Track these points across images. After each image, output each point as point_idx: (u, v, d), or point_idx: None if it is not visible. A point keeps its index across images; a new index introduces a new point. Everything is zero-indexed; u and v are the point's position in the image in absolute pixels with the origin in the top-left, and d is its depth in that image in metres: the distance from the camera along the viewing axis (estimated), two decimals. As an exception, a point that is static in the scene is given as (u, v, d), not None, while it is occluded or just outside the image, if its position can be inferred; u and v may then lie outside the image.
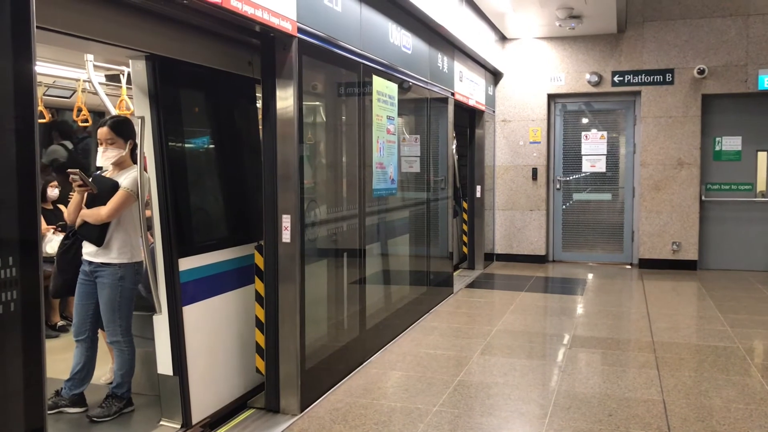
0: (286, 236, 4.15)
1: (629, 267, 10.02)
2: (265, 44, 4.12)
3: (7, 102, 2.18)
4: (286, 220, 4.14)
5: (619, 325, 6.50)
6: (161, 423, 3.93)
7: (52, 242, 5.66)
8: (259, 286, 4.28)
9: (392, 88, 5.71)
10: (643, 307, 7.18)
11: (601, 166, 10.21)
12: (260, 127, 4.53)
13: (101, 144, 4.05)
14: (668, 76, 9.63)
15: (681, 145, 9.62)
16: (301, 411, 4.17)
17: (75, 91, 6.04)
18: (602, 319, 6.65)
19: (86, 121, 6.00)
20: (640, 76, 9.76)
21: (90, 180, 4.01)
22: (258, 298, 4.28)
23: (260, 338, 4.28)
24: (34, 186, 2.23)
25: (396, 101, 5.80)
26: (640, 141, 9.85)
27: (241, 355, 4.35)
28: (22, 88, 2.21)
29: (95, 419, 3.99)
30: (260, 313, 4.27)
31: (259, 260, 4.26)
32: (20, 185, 2.19)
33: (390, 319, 5.87)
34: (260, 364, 4.30)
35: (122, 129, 4.08)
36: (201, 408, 3.96)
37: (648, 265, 9.79)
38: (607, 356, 5.39)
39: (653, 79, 9.70)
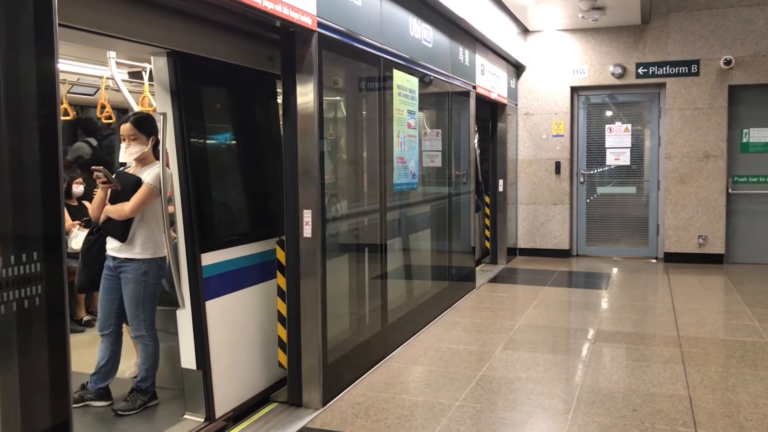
0: (307, 231, 4.15)
1: (654, 261, 9.90)
2: (285, 39, 4.12)
3: (31, 100, 2.21)
4: (307, 215, 4.15)
5: (644, 320, 6.43)
6: (185, 416, 3.96)
7: (77, 238, 5.73)
8: (281, 280, 4.29)
9: (413, 82, 5.68)
10: (668, 302, 7.09)
11: (625, 159, 10.09)
12: (281, 122, 4.55)
13: (124, 140, 4.09)
14: (694, 68, 9.48)
15: (707, 138, 9.47)
16: (324, 405, 4.18)
17: (98, 89, 6.10)
18: (627, 314, 6.58)
19: (110, 117, 6.05)
20: (664, 68, 9.62)
21: (113, 176, 4.05)
22: (280, 292, 4.30)
23: (282, 332, 4.30)
24: (57, 182, 2.26)
25: (417, 95, 5.78)
26: (665, 133, 9.71)
27: (264, 349, 4.37)
28: (46, 85, 2.24)
29: (120, 413, 4.04)
30: (282, 308, 4.29)
31: (280, 255, 4.27)
32: (44, 181, 2.22)
33: (412, 314, 5.86)
34: (282, 358, 4.32)
35: (144, 125, 4.12)
36: (224, 402, 3.99)
37: (673, 259, 9.67)
38: (632, 351, 5.33)
39: (678, 70, 9.55)
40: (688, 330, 5.91)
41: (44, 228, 2.24)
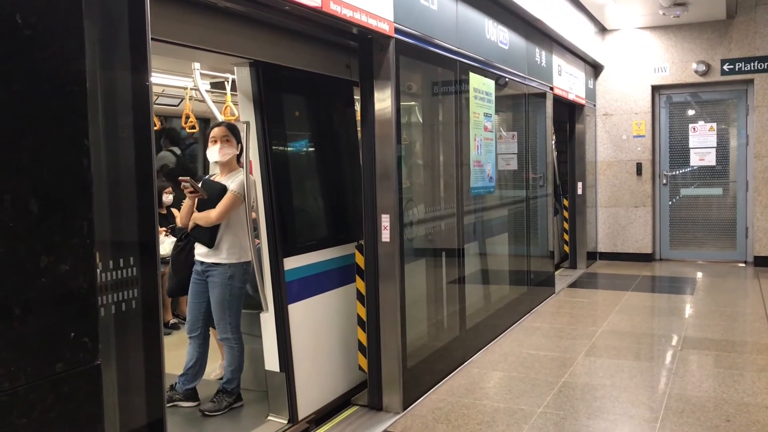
0: (385, 236, 4.18)
1: (743, 265, 9.47)
2: (362, 46, 4.17)
3: (126, 112, 2.31)
4: (385, 220, 4.18)
5: (734, 326, 6.16)
6: (269, 418, 4.05)
7: (164, 244, 5.95)
8: (360, 284, 4.34)
9: (489, 84, 5.64)
10: (760, 308, 6.77)
11: (710, 160, 9.70)
12: (358, 128, 4.60)
13: (216, 142, 4.21)
14: (784, 62, 9.04)
15: (800, 135, 9.00)
16: (404, 409, 4.19)
17: (183, 99, 6.33)
18: (715, 320, 6.32)
19: (194, 127, 6.27)
20: (752, 64, 9.21)
21: (199, 185, 4.19)
22: (359, 296, 4.34)
23: (362, 336, 4.34)
24: (151, 191, 2.34)
25: (493, 98, 5.73)
26: (754, 132, 9.29)
27: (344, 352, 4.42)
28: (140, 98, 2.33)
29: (207, 413, 4.16)
30: (362, 312, 4.32)
31: (359, 259, 4.32)
32: (139, 191, 2.31)
33: (490, 319, 5.81)
34: (362, 362, 4.35)
35: (235, 131, 4.27)
36: (307, 404, 4.05)
37: (764, 263, 9.21)
38: (722, 359, 5.11)
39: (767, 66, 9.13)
40: (783, 337, 5.63)
41: (140, 235, 2.33)
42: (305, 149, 4.50)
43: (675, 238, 10.04)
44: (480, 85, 5.44)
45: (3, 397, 0.86)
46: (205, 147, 4.50)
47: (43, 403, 0.92)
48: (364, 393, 4.33)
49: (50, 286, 0.92)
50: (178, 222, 4.58)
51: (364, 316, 4.30)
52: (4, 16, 0.91)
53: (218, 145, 4.20)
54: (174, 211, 6.54)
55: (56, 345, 0.93)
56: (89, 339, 0.97)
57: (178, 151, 7.89)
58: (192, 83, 5.59)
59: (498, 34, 5.88)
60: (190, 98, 6.01)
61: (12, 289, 0.88)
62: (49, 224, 0.94)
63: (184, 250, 4.39)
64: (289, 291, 3.95)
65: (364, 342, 4.31)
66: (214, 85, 6.20)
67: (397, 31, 4.14)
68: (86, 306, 0.97)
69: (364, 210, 4.24)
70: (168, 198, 6.65)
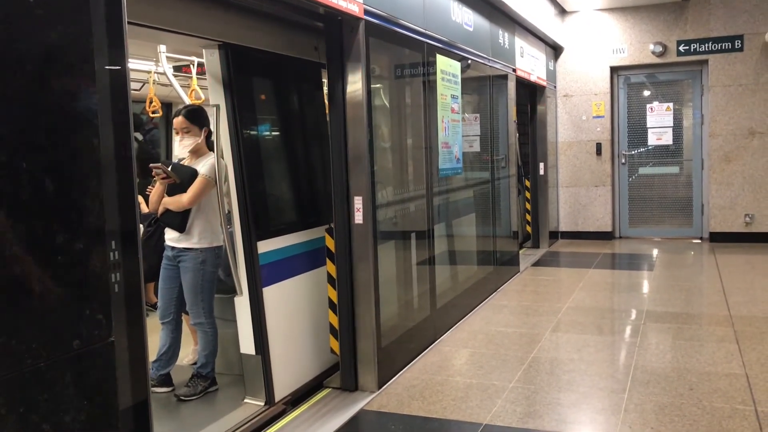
0: (358, 217, 4.21)
1: (699, 241, 9.77)
2: (330, 27, 4.16)
3: (105, 99, 2.27)
4: (358, 202, 4.20)
5: (693, 300, 6.37)
6: (245, 401, 4.06)
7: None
8: (330, 267, 4.36)
9: (455, 66, 5.69)
10: (717, 282, 7.01)
11: (667, 139, 9.95)
12: (326, 111, 4.59)
13: (177, 133, 4.18)
14: (737, 43, 9.28)
15: (752, 114, 9.28)
16: (379, 388, 4.24)
17: (145, 83, 6.22)
18: (675, 294, 6.52)
19: (156, 111, 6.17)
20: (707, 45, 9.44)
21: (169, 169, 4.15)
22: (330, 279, 4.36)
23: (333, 319, 4.37)
24: (131, 177, 2.31)
25: (459, 79, 5.78)
26: (709, 111, 9.54)
27: (316, 335, 4.44)
28: (117, 84, 2.29)
29: (182, 398, 4.16)
30: (333, 294, 4.35)
31: (330, 243, 4.34)
32: (119, 176, 2.28)
33: (459, 299, 5.90)
34: (334, 344, 4.38)
35: (196, 117, 4.20)
36: (283, 386, 4.08)
37: (719, 238, 9.51)
38: (683, 331, 5.29)
39: (721, 46, 9.36)
40: (739, 309, 5.84)
41: (121, 220, 2.30)
42: (275, 132, 4.48)
43: (634, 216, 10.29)
44: (447, 67, 5.48)
45: (27, 374, 0.87)
46: (168, 132, 4.45)
47: (63, 379, 0.93)
48: (337, 375, 4.37)
49: (66, 263, 0.93)
50: (146, 208, 4.53)
51: (335, 299, 4.32)
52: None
53: (179, 137, 4.16)
54: (139, 197, 6.45)
55: (73, 322, 0.94)
56: (104, 316, 0.98)
57: (139, 136, 7.76)
58: (155, 67, 5.49)
59: (463, 16, 5.92)
60: (154, 82, 5.91)
61: (31, 266, 0.88)
62: (63, 203, 0.94)
63: (153, 236, 4.36)
64: (263, 274, 3.96)
65: (336, 324, 4.34)
66: (176, 69, 6.10)
67: (366, 12, 4.14)
68: (100, 284, 0.98)
69: (334, 193, 4.26)
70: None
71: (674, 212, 10.13)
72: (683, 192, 10.03)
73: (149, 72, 5.80)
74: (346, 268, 4.26)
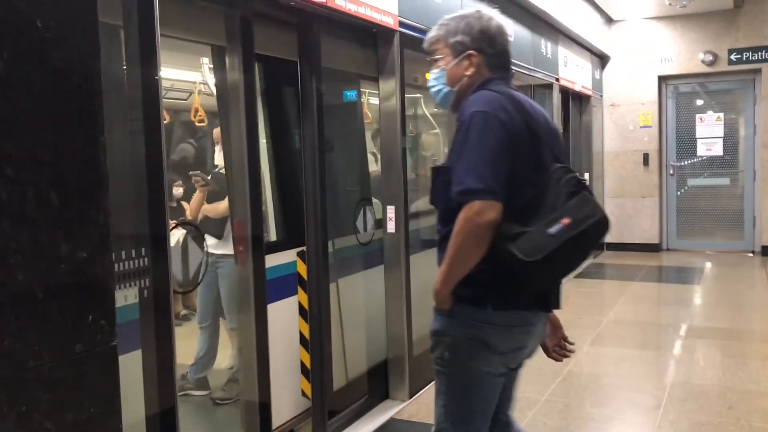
0: (390, 227, 4.24)
1: (751, 255, 9.48)
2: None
3: (136, 107, 2.38)
4: (390, 211, 4.24)
5: (740, 315, 6.20)
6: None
7: (173, 237, 6.01)
8: (302, 297, 4.05)
9: (494, 77, 5.66)
10: (766, 297, 6.80)
11: (717, 150, 9.70)
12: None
13: (217, 143, 4.29)
14: (792, 51, 9.02)
15: (808, 124, 8.99)
16: (410, 397, 4.26)
17: (191, 93, 6.39)
18: (721, 309, 6.36)
19: (202, 121, 6.32)
20: (760, 53, 9.18)
21: (209, 178, 4.26)
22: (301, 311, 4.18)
23: (305, 357, 3.97)
24: (162, 184, 2.41)
25: (498, 90, 5.75)
26: (762, 121, 9.28)
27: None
28: (149, 92, 2.40)
29: (218, 401, 4.24)
30: (304, 329, 3.94)
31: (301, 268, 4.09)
32: (150, 184, 2.38)
33: (496, 309, 5.85)
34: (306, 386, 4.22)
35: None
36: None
37: (772, 252, 9.23)
38: (727, 347, 5.16)
39: (775, 55, 9.12)
40: (788, 326, 5.66)
41: (150, 227, 2.40)
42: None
43: (682, 229, 10.05)
44: (485, 77, 5.46)
45: (29, 375, 0.93)
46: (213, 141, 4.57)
47: (65, 381, 0.99)
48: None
49: (69, 272, 0.99)
50: (188, 215, 4.65)
51: (307, 334, 3.75)
52: (26, 21, 0.97)
53: (218, 147, 4.27)
54: (183, 204, 6.61)
55: (75, 327, 1.00)
56: (106, 321, 1.03)
57: (195, 143, 7.94)
58: (200, 78, 5.63)
59: (503, 26, 5.91)
60: (199, 92, 6.07)
61: (36, 275, 0.94)
62: (68, 214, 1.01)
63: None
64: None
65: (308, 363, 3.75)
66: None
67: (401, 24, 4.18)
68: (103, 290, 1.04)
69: (306, 213, 3.74)
70: (178, 191, 6.71)
71: (725, 225, 9.86)
72: (734, 204, 9.76)
73: (194, 83, 5.95)
74: (316, 298, 3.77)
